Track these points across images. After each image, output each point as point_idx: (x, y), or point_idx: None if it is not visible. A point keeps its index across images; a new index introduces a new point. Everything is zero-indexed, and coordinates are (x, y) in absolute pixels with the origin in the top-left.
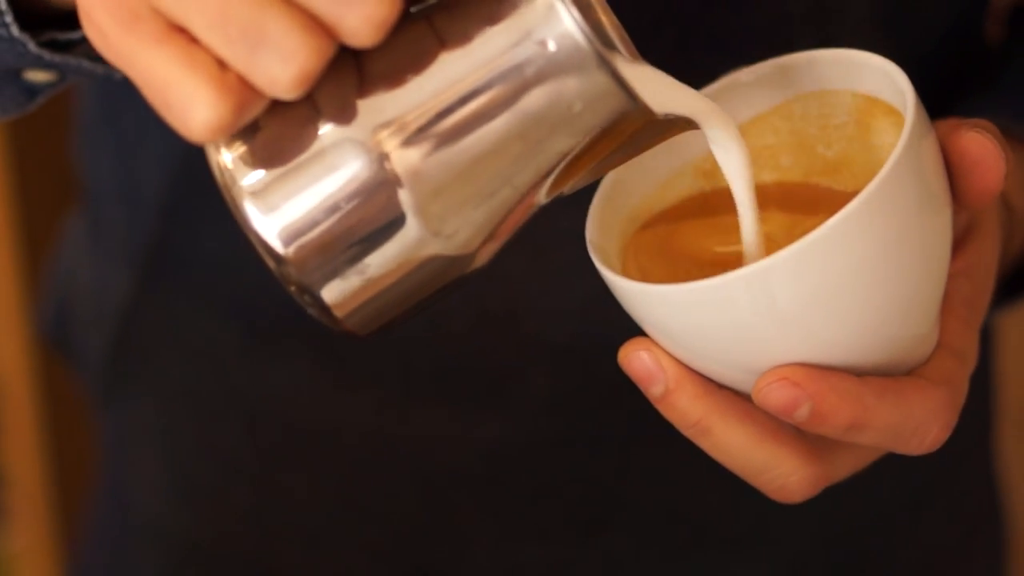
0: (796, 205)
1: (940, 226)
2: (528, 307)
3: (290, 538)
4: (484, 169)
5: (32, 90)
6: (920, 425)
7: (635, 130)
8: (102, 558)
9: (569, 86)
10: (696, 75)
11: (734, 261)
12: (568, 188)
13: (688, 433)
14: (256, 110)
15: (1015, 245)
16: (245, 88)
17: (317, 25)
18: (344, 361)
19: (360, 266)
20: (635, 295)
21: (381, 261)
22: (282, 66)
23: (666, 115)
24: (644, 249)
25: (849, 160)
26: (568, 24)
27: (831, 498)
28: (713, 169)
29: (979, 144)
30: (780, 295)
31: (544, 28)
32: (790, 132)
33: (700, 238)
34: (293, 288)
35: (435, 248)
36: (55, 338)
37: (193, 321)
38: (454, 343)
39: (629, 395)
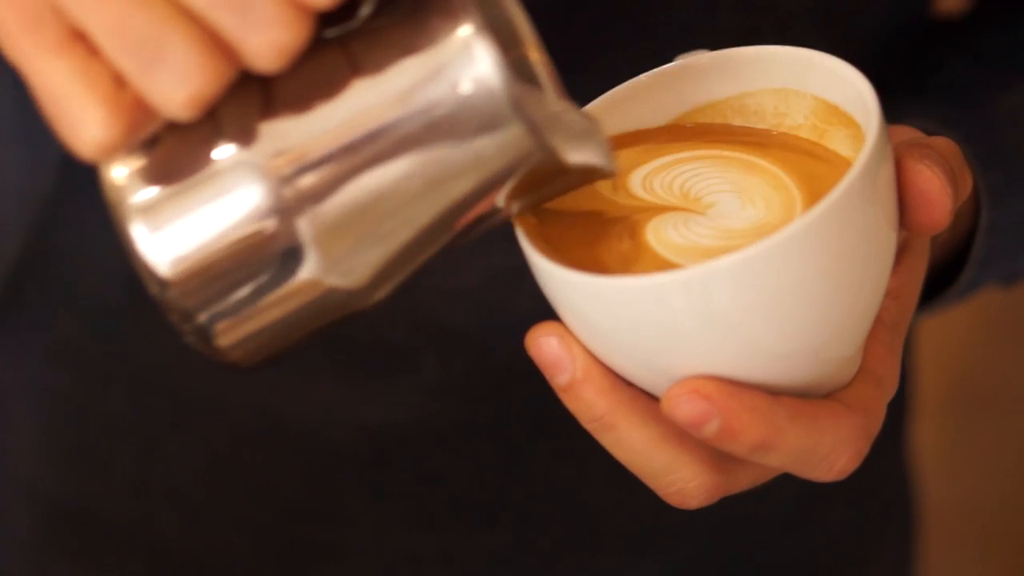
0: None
1: (883, 250)
2: (421, 286)
3: (169, 509)
4: (384, 207)
5: None
6: (831, 452)
7: (544, 177)
8: None
9: (480, 131)
10: (614, 65)
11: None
12: (474, 233)
13: (590, 427)
14: (148, 129)
15: (933, 252)
16: (138, 109)
17: (218, 46)
18: None
19: (247, 296)
20: (558, 280)
21: (270, 293)
22: (177, 86)
23: (579, 165)
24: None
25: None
26: (485, 66)
27: (730, 498)
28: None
29: (926, 180)
30: (717, 302)
31: (460, 67)
32: (742, 125)
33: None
34: (174, 315)
35: (329, 283)
36: None
37: (82, 279)
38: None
39: (523, 384)
